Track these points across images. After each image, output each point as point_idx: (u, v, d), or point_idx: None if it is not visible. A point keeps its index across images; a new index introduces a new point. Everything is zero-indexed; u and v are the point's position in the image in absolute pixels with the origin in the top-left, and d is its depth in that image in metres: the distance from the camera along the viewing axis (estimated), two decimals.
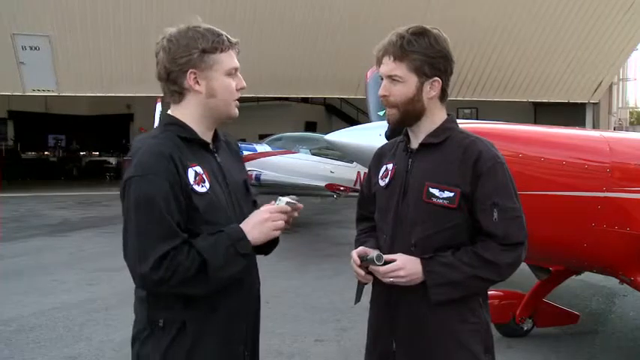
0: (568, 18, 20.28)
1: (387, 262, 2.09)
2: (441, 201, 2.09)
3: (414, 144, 2.21)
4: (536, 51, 20.97)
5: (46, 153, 28.33)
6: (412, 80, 2.12)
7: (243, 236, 1.94)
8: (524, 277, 4.65)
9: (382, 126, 3.64)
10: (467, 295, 2.11)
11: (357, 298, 2.31)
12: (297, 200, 2.05)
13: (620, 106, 25.98)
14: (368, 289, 2.30)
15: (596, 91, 22.57)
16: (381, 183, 2.26)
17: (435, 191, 2.10)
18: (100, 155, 28.75)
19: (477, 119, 12.21)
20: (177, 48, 1.95)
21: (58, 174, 26.15)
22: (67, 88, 19.81)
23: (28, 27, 18.38)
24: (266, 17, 19.05)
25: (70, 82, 19.49)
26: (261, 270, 2.20)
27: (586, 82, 22.25)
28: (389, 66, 2.13)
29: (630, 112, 28.78)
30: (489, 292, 2.30)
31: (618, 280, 4.43)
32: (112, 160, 28.00)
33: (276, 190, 9.87)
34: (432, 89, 2.14)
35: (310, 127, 26.76)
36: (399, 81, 2.12)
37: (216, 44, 1.98)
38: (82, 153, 28.81)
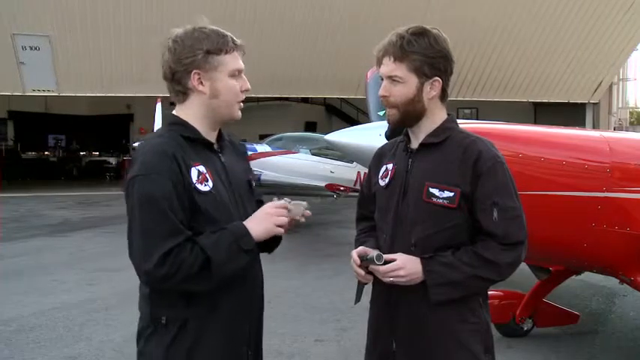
0: (568, 18, 20.29)
1: (387, 262, 2.09)
2: (441, 201, 2.09)
3: (414, 144, 2.21)
4: (536, 51, 20.98)
5: (46, 153, 28.34)
6: (412, 80, 2.12)
7: (246, 232, 1.96)
8: (524, 277, 4.65)
9: (382, 126, 3.64)
10: (467, 295, 2.11)
11: (357, 298, 2.31)
12: (305, 207, 2.06)
13: (620, 106, 26.00)
14: (368, 289, 2.30)
15: (596, 91, 22.58)
16: (381, 183, 2.26)
17: (435, 191, 2.10)
18: (100, 155, 28.77)
19: (477, 119, 12.23)
20: (183, 48, 1.98)
21: (58, 174, 26.16)
22: (67, 88, 19.83)
23: (28, 27, 18.39)
24: (266, 17, 19.06)
25: (70, 82, 19.50)
26: None
27: (586, 82, 22.25)
28: (389, 66, 2.13)
29: (630, 112, 28.82)
30: (489, 292, 2.30)
31: (618, 280, 4.43)
32: (112, 160, 28.03)
33: (276, 190, 9.87)
34: (432, 89, 2.14)
35: (310, 127, 26.75)
36: (399, 81, 2.12)
37: (220, 45, 2.00)
38: (82, 153, 28.82)
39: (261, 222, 1.99)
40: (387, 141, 2.63)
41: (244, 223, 1.98)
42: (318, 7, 19.35)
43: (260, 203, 2.16)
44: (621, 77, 25.40)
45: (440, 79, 2.14)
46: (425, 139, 2.18)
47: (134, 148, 15.25)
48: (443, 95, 2.18)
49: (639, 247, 3.91)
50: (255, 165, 11.65)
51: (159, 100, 13.87)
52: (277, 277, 6.97)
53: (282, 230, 2.02)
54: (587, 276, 5.67)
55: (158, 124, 13.30)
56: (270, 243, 2.12)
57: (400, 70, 2.11)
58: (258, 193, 2.24)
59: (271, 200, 2.08)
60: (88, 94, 21.49)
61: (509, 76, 22.04)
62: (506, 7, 19.89)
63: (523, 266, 2.99)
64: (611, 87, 23.77)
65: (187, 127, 2.02)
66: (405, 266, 2.08)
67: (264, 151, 12.57)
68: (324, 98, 27.94)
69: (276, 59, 19.23)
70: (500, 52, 21.14)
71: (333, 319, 5.84)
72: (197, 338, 1.97)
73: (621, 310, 6.33)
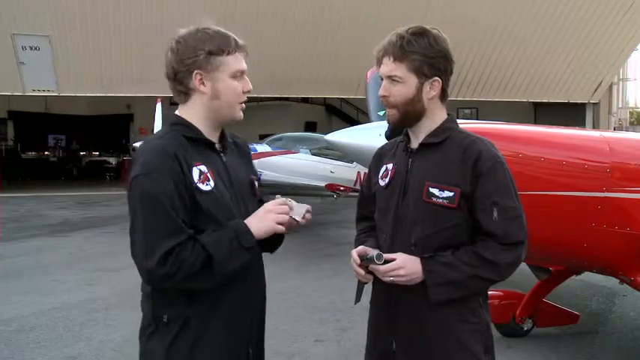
0: (568, 18, 20.28)
1: (387, 261, 2.09)
2: (440, 200, 2.09)
3: (414, 144, 2.21)
4: (536, 51, 20.98)
5: (46, 153, 28.32)
6: (412, 80, 2.12)
7: (247, 230, 1.97)
8: (524, 277, 4.65)
9: (382, 126, 3.64)
10: (467, 295, 2.11)
11: (357, 298, 2.31)
12: (307, 209, 2.06)
13: (620, 106, 26.00)
14: (368, 289, 2.30)
15: (596, 91, 22.58)
16: (381, 183, 2.26)
17: (435, 191, 2.10)
18: (100, 155, 28.75)
19: (477, 119, 12.22)
20: (185, 49, 2.00)
21: (58, 174, 26.15)
22: (67, 88, 19.82)
23: (28, 27, 18.39)
24: (266, 17, 19.05)
25: (70, 82, 19.50)
26: None
27: (586, 82, 22.25)
28: (389, 66, 2.13)
29: (630, 112, 28.82)
30: (489, 292, 2.30)
31: (618, 280, 4.43)
32: (112, 160, 28.02)
33: (276, 190, 9.87)
34: (431, 89, 2.14)
35: (310, 127, 26.74)
36: (399, 81, 2.12)
37: (223, 46, 2.01)
38: (82, 153, 28.80)
39: (262, 219, 2.00)
40: (387, 141, 2.63)
41: (245, 221, 2.00)
42: (318, 7, 19.35)
43: (262, 203, 2.16)
44: (621, 77, 25.41)
45: (440, 79, 2.14)
46: (425, 139, 2.18)
47: (134, 149, 15.28)
48: (443, 95, 2.18)
49: (639, 247, 3.91)
50: (255, 165, 11.64)
51: (159, 100, 13.88)
52: (277, 277, 6.98)
53: (282, 228, 2.03)
54: (587, 276, 5.67)
55: (158, 124, 13.30)
56: (273, 242, 2.13)
57: (400, 70, 2.11)
58: (259, 193, 2.24)
59: (274, 199, 2.09)
60: (88, 94, 21.48)
61: (509, 76, 22.04)
62: (506, 7, 19.89)
63: (523, 266, 2.99)
64: (611, 87, 23.77)
65: (189, 127, 2.04)
66: (404, 266, 2.08)
67: (264, 151, 12.57)
68: (324, 98, 27.93)
69: (276, 59, 19.22)
70: (500, 52, 21.14)
71: (333, 319, 5.84)
72: (199, 337, 1.98)
73: (621, 310, 6.33)
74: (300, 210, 2.05)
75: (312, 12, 19.40)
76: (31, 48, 18.67)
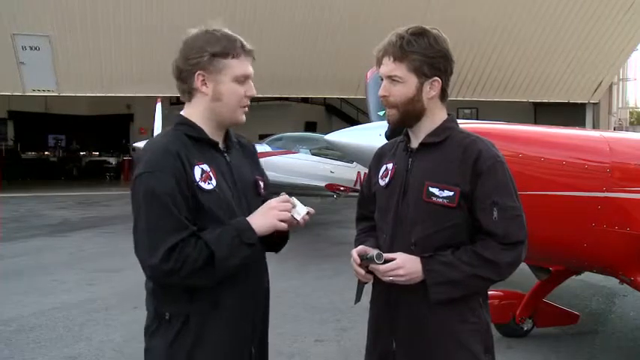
0: (568, 18, 20.27)
1: (386, 261, 2.09)
2: (440, 200, 2.09)
3: (414, 143, 2.21)
4: (536, 51, 20.96)
5: (46, 153, 28.32)
6: (412, 80, 2.12)
7: (248, 227, 1.98)
8: (524, 277, 4.65)
9: (382, 126, 3.64)
10: (467, 295, 2.11)
11: (357, 298, 2.31)
12: (309, 211, 2.06)
13: (620, 106, 25.97)
14: (368, 289, 2.30)
15: (596, 91, 22.56)
16: (381, 182, 2.26)
17: (435, 190, 2.10)
18: (100, 155, 28.76)
19: (477, 119, 12.22)
20: (191, 49, 2.02)
21: (58, 174, 26.16)
22: (67, 88, 19.81)
23: (28, 27, 18.38)
24: (266, 17, 19.05)
25: (70, 82, 19.49)
26: None
27: (586, 82, 22.24)
28: (389, 66, 2.14)
29: (630, 112, 28.77)
30: (489, 292, 2.30)
31: (618, 280, 4.43)
32: (112, 160, 28.04)
33: (276, 190, 9.84)
34: (431, 89, 2.14)
35: (310, 127, 26.74)
36: (399, 81, 2.13)
37: (228, 49, 2.02)
38: (82, 153, 28.81)
39: (264, 216, 2.01)
40: (387, 141, 2.63)
41: (248, 217, 2.01)
42: (318, 7, 19.34)
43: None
44: (621, 77, 25.38)
45: (439, 79, 2.14)
46: (425, 139, 2.18)
47: (134, 149, 15.26)
48: (443, 95, 2.19)
49: (639, 247, 3.91)
50: None
51: (159, 100, 13.87)
52: (277, 277, 6.89)
53: (284, 225, 2.03)
54: (587, 276, 5.67)
55: (158, 124, 13.31)
56: (277, 241, 2.14)
57: (400, 70, 2.11)
58: (264, 194, 2.22)
59: (283, 193, 2.10)
60: (88, 94, 21.48)
61: (509, 76, 22.03)
62: (506, 7, 19.88)
63: (523, 266, 2.99)
64: (611, 87, 23.75)
65: (193, 126, 2.06)
66: (404, 265, 2.08)
67: (264, 151, 12.56)
68: (324, 98, 27.92)
69: (276, 59, 19.20)
70: (500, 52, 21.13)
71: (333, 319, 5.84)
72: (200, 334, 1.99)
73: (621, 310, 6.33)
74: (301, 210, 2.05)
75: (312, 12, 19.39)
76: (31, 48, 18.66)
